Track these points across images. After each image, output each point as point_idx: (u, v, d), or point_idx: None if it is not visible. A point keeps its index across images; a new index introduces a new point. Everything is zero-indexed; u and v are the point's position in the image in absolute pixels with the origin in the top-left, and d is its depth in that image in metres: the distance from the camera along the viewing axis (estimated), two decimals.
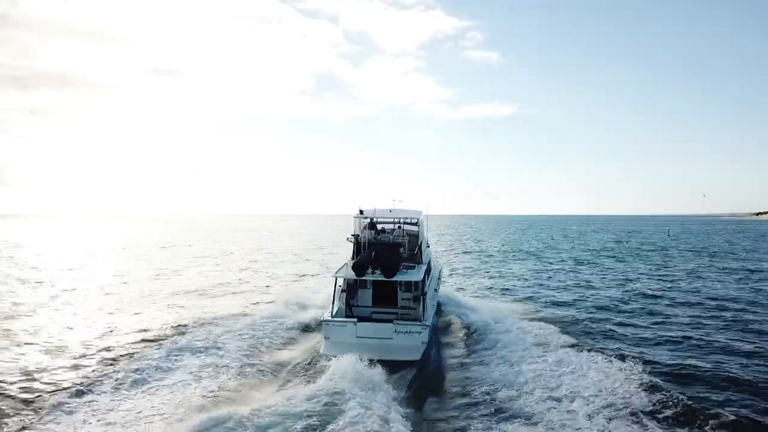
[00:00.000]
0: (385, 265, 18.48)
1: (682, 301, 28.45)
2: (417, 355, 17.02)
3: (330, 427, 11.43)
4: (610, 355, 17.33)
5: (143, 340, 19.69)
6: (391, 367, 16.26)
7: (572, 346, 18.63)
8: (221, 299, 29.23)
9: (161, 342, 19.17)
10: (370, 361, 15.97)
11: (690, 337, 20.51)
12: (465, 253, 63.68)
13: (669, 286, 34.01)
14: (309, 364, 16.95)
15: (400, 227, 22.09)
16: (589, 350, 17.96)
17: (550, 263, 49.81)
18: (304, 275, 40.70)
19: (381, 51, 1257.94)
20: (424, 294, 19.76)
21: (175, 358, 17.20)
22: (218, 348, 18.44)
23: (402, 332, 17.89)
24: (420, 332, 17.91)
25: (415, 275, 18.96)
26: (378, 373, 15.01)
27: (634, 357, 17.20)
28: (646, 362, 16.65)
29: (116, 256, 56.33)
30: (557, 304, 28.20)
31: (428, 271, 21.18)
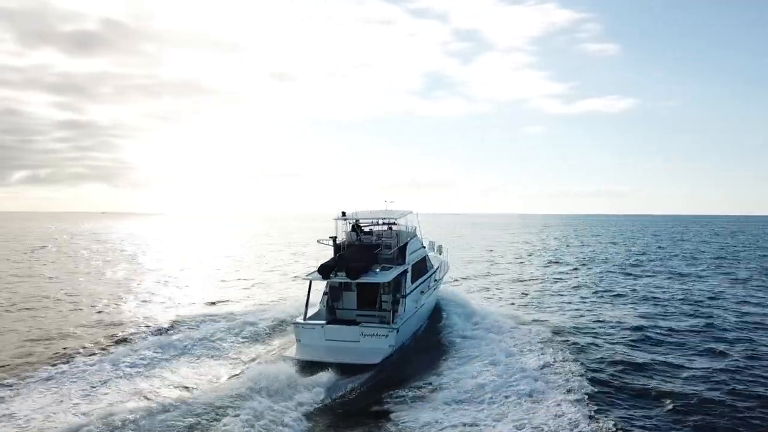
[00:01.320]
0: (348, 267, 18.22)
1: None
2: (377, 359, 16.53)
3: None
4: None
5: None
6: (351, 370, 16.05)
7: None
8: None
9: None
10: (332, 364, 16.01)
11: None
12: (553, 262, 51.05)
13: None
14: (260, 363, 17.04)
15: (390, 228, 21.65)
16: None
17: (647, 274, 40.96)
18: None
19: (491, 47, 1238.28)
20: (403, 296, 19.23)
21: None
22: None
23: (369, 335, 17.48)
24: (387, 335, 17.38)
25: (382, 277, 18.35)
26: (313, 378, 14.76)
27: None
28: None
29: None
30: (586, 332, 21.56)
31: (414, 272, 20.51)
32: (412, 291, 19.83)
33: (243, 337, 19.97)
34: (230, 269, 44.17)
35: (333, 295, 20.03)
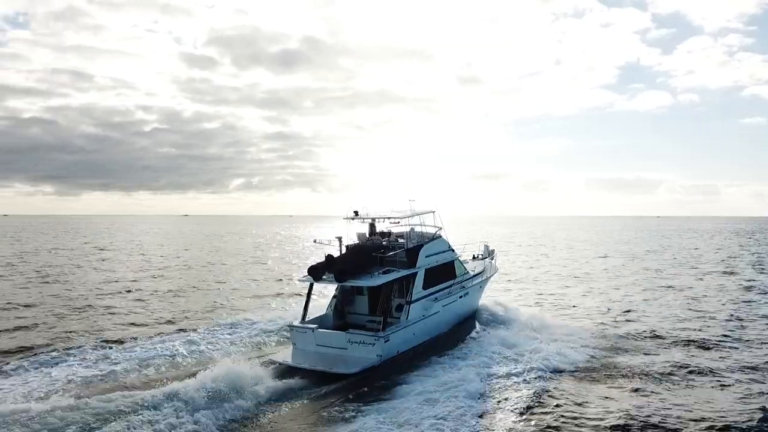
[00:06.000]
0: (337, 269, 17.41)
1: None
2: (353, 369, 15.62)
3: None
4: None
5: None
6: (329, 379, 15.39)
7: None
8: None
9: None
10: (313, 371, 15.62)
11: None
12: None
13: None
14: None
15: (412, 229, 20.29)
16: None
17: None
18: None
19: (698, 31, 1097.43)
20: (408, 302, 17.91)
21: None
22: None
23: (356, 343, 16.63)
24: (373, 344, 16.37)
25: (370, 281, 17.26)
26: (271, 384, 14.50)
27: None
28: None
29: None
30: None
31: (430, 277, 18.92)
32: (420, 298, 18.39)
33: None
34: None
35: (345, 299, 19.46)
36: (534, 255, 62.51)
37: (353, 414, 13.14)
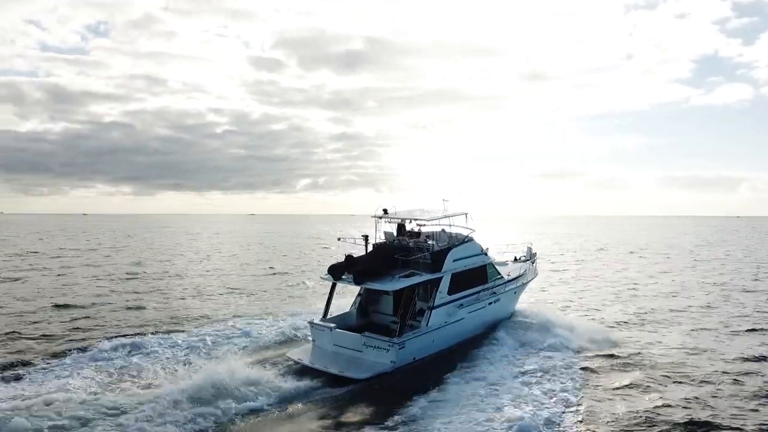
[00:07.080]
0: (356, 270, 16.85)
1: None
2: (363, 374, 15.16)
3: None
4: None
5: None
6: (339, 381, 14.91)
7: None
8: None
9: None
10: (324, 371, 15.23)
11: None
12: None
13: None
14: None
15: (443, 230, 19.39)
16: None
17: None
18: None
19: None
20: (431, 308, 17.15)
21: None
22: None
23: (371, 346, 16.14)
24: (387, 350, 15.75)
25: (388, 284, 16.60)
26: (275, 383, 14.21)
27: None
28: None
29: None
30: None
31: (457, 282, 18.12)
32: (444, 303, 17.52)
33: None
34: None
35: (369, 297, 18.97)
36: (587, 259, 56.45)
37: (355, 421, 12.77)
